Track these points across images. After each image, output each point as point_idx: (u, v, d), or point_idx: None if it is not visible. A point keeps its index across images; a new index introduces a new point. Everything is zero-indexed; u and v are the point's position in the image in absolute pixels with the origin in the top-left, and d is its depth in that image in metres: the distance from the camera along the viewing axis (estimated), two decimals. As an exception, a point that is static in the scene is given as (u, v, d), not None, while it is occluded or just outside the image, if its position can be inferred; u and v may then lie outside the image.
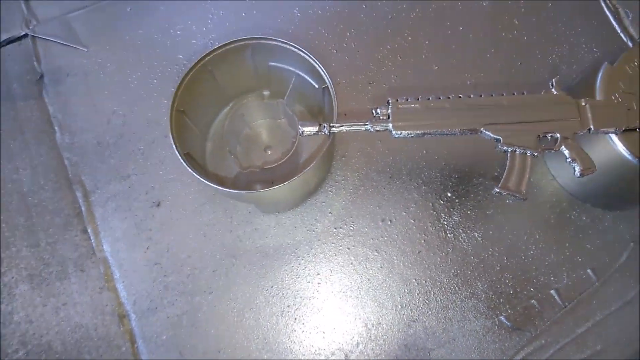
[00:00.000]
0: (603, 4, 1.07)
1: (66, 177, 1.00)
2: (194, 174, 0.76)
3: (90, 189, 0.99)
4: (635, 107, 0.79)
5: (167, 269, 0.94)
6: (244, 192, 0.76)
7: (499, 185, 0.75)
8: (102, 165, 1.00)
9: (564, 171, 0.96)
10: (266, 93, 0.99)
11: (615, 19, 1.06)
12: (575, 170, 0.76)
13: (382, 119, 0.78)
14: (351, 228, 0.95)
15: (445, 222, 0.95)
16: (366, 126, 0.77)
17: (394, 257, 0.93)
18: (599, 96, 0.80)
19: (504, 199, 0.96)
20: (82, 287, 0.95)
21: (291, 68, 0.90)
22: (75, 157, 1.01)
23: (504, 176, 0.75)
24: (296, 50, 0.84)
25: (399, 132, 0.76)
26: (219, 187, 0.75)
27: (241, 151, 0.97)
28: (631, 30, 1.04)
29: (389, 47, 1.05)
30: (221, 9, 1.08)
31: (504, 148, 0.76)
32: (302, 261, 0.93)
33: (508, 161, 0.76)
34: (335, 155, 0.99)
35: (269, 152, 0.98)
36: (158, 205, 0.97)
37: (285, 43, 0.84)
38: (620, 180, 0.86)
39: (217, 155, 0.95)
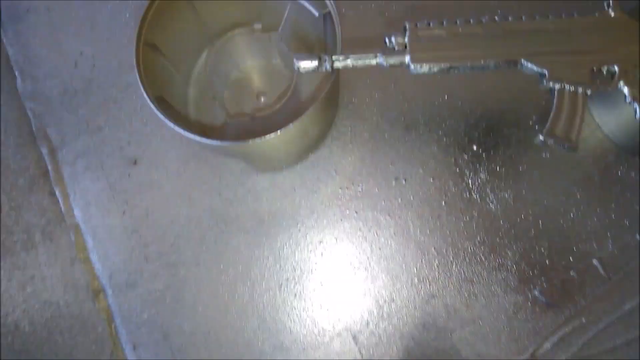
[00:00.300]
0: None
1: (29, 131, 0.87)
2: (166, 120, 0.62)
3: (56, 144, 0.85)
4: None
5: (147, 237, 0.81)
6: (229, 142, 0.62)
7: (545, 131, 0.60)
8: (70, 117, 0.86)
9: (611, 117, 0.81)
10: (257, 26, 0.83)
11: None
12: (637, 113, 0.61)
13: (398, 49, 0.63)
14: (359, 189, 0.81)
15: (469, 181, 0.81)
16: (377, 59, 0.62)
17: (410, 222, 0.79)
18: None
19: (539, 152, 0.81)
20: (51, 259, 0.83)
21: (285, -6, 0.74)
22: (39, 108, 0.87)
23: (550, 119, 0.60)
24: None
25: (419, 66, 0.61)
26: (197, 138, 0.61)
27: (230, 97, 0.83)
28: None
29: (404, -29, 0.88)
30: None
31: (550, 84, 0.60)
32: (303, 228, 0.80)
33: (555, 101, 0.61)
34: (340, 103, 0.84)
35: (263, 98, 0.83)
36: (135, 162, 0.84)
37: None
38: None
39: (201, 102, 0.81)
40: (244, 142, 0.62)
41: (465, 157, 0.82)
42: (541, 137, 0.60)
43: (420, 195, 0.81)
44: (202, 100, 0.80)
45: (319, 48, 0.79)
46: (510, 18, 0.62)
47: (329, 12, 0.66)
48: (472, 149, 0.82)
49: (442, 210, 0.80)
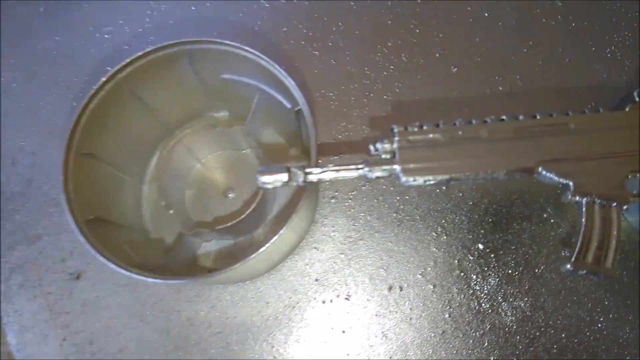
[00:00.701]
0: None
1: (-43, 241, 0.73)
2: (96, 255, 0.49)
3: (-12, 256, 0.72)
4: None
5: (93, 368, 0.67)
6: (176, 281, 0.50)
7: (573, 260, 0.48)
8: (5, 223, 0.73)
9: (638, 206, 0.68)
10: (223, 114, 0.72)
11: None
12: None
13: (385, 157, 0.51)
14: (346, 301, 0.68)
15: (477, 287, 0.68)
16: (361, 170, 0.50)
17: (408, 342, 0.66)
18: None
19: (557, 250, 0.69)
20: (-21, 395, 0.68)
21: (252, 82, 0.63)
22: (-31, 213, 0.74)
23: (578, 244, 0.48)
24: (256, 58, 0.56)
25: (411, 178, 0.49)
26: (134, 275, 0.49)
27: (193, 197, 0.70)
28: None
29: (389, 44, 0.77)
30: (163, 3, 0.80)
31: (577, 198, 0.48)
32: (279, 354, 0.67)
33: (583, 219, 0.48)
34: (322, 197, 0.72)
35: (231, 194, 0.71)
36: (77, 277, 0.70)
37: (238, 47, 0.56)
38: None
39: (157, 209, 0.68)
40: (206, 277, 0.49)
41: (471, 258, 0.69)
42: (569, 267, 0.48)
43: (420, 306, 0.68)
44: (158, 206, 0.68)
45: (295, 138, 0.68)
46: (521, 117, 0.50)
47: (301, 110, 0.55)
48: (479, 248, 0.69)
49: (447, 325, 0.67)
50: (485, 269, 0.68)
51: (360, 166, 0.50)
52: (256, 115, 0.64)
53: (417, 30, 0.78)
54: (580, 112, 0.50)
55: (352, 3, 0.79)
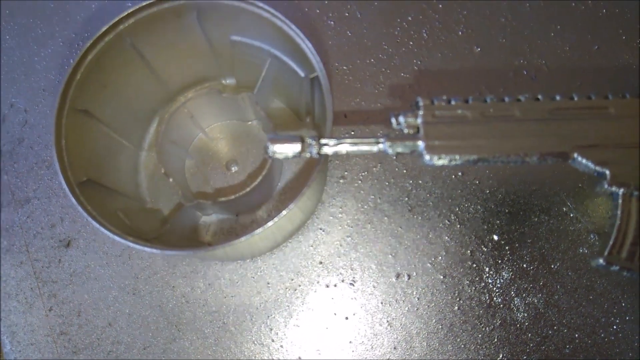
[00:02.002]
0: None
1: (-60, 200, 0.69)
2: (88, 218, 0.45)
3: (-28, 218, 0.68)
4: None
5: (78, 342, 0.64)
6: (175, 252, 0.46)
7: (606, 254, 0.44)
8: (-9, 184, 0.69)
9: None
10: (230, 82, 0.67)
11: None
12: None
13: (408, 132, 0.47)
14: (351, 286, 0.64)
15: (490, 280, 0.64)
16: (380, 145, 0.46)
17: (414, 333, 0.63)
18: None
19: (575, 245, 0.65)
20: (-43, 363, 0.65)
21: (264, 46, 0.58)
22: (-46, 171, 0.69)
23: (612, 237, 0.45)
24: (271, 17, 0.52)
25: (435, 157, 0.45)
26: (129, 243, 0.44)
27: (193, 167, 0.66)
28: None
29: (410, 18, 0.73)
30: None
31: (613, 188, 0.45)
32: (277, 337, 0.63)
33: (619, 212, 0.45)
34: (331, 176, 0.68)
35: (234, 168, 0.67)
36: (67, 245, 0.66)
37: (252, 4, 0.52)
38: None
39: (156, 177, 0.64)
40: (198, 251, 0.45)
41: (485, 249, 0.65)
42: (601, 261, 0.44)
43: (428, 296, 0.64)
44: (156, 174, 0.64)
45: (306, 111, 0.63)
46: (557, 97, 0.46)
47: (317, 78, 0.50)
48: (493, 239, 0.66)
49: (455, 317, 0.64)
50: (499, 261, 0.65)
51: (380, 140, 0.46)
52: (266, 83, 0.60)
53: (440, 6, 0.73)
54: (622, 96, 0.46)
55: (373, -28, 0.74)
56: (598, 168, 0.45)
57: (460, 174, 0.68)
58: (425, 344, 0.63)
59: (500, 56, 0.71)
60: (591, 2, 0.73)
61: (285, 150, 0.45)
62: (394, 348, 0.63)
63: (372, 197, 0.67)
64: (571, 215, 0.66)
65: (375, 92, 0.71)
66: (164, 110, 0.65)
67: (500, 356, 0.62)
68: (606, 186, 0.45)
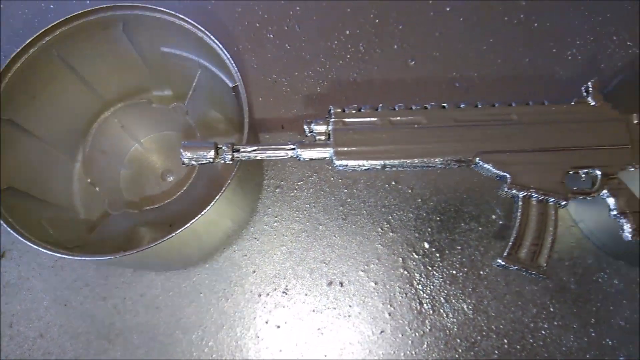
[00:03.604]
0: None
1: None
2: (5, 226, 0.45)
3: None
4: None
5: (9, 353, 0.64)
6: (91, 257, 0.46)
7: (504, 255, 0.46)
8: None
9: (592, 213, 0.67)
10: (167, 92, 0.68)
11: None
12: (624, 230, 0.47)
13: (319, 140, 0.48)
14: (284, 295, 0.65)
15: (420, 287, 0.65)
16: (292, 151, 0.47)
17: (345, 340, 0.63)
18: (658, 109, 0.51)
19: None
20: None
21: (194, 57, 0.59)
22: None
23: (512, 238, 0.46)
24: (192, 28, 0.53)
25: (344, 163, 0.46)
26: (47, 251, 0.45)
27: (128, 178, 0.67)
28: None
29: (347, 32, 0.75)
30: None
31: (513, 192, 0.46)
32: (208, 347, 0.63)
33: (519, 214, 0.46)
34: (267, 186, 0.69)
35: (170, 178, 0.67)
36: (2, 255, 0.66)
37: (175, 16, 0.53)
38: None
39: (89, 188, 0.64)
40: (106, 257, 0.45)
41: (416, 257, 0.66)
42: (500, 262, 0.45)
43: (360, 303, 0.65)
44: (88, 185, 0.64)
45: (240, 122, 0.64)
46: (462, 105, 0.48)
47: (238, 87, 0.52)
48: (424, 247, 0.67)
49: (387, 324, 0.64)
50: (430, 268, 0.66)
51: (292, 147, 0.47)
52: (198, 93, 0.61)
53: (377, 21, 0.75)
54: (524, 103, 0.48)
55: (311, -12, 0.76)
56: (499, 172, 0.46)
57: (393, 182, 0.69)
58: (356, 350, 0.63)
59: (434, 69, 0.74)
60: (524, 16, 0.76)
61: (198, 156, 0.46)
62: (325, 355, 0.63)
63: (307, 206, 0.68)
64: (500, 222, 0.67)
65: (313, 103, 0.72)
66: (98, 121, 0.65)
67: (430, 362, 0.63)
68: (506, 189, 0.46)
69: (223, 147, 0.47)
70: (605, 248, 0.67)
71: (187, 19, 0.52)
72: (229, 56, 0.52)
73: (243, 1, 0.75)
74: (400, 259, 0.66)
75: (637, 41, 0.75)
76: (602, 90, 0.69)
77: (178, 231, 0.45)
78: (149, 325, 0.64)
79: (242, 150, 0.47)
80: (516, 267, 0.45)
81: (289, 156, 0.47)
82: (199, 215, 0.46)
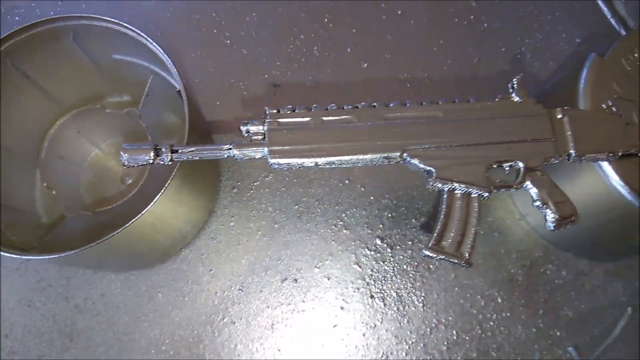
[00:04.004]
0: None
1: None
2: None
3: None
4: (636, 120, 0.52)
5: (-26, 353, 0.65)
6: (34, 256, 0.48)
7: (429, 246, 0.48)
8: None
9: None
10: (126, 98, 0.71)
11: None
12: (547, 220, 0.49)
13: (256, 139, 0.50)
14: (240, 292, 0.67)
15: (372, 282, 0.67)
16: (229, 151, 0.49)
17: (298, 335, 0.65)
18: (583, 104, 0.54)
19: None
20: None
21: (144, 63, 0.62)
22: None
23: (437, 229, 0.48)
24: (136, 35, 0.56)
25: (278, 162, 0.49)
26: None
27: (88, 182, 0.69)
28: (625, 13, 0.77)
29: (302, 36, 0.77)
30: (77, -12, 0.79)
31: (438, 185, 0.48)
32: (166, 344, 0.65)
33: (444, 206, 0.48)
34: (224, 187, 0.71)
35: (129, 181, 0.70)
36: (-34, 260, 0.68)
37: (120, 25, 0.56)
38: (613, 223, 0.59)
39: (48, 192, 0.67)
40: (52, 256, 0.48)
41: (368, 252, 0.69)
42: (426, 252, 0.48)
43: (313, 299, 0.67)
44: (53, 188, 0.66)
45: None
46: (392, 104, 0.50)
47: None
48: (376, 243, 0.69)
49: (339, 319, 0.66)
50: (382, 263, 0.68)
51: (228, 147, 0.49)
52: (151, 97, 0.63)
53: (331, 25, 0.78)
54: (450, 101, 0.51)
55: (268, -6, 0.79)
56: (425, 166, 0.48)
57: (347, 181, 0.71)
58: (308, 344, 0.65)
59: (386, 70, 0.76)
60: (474, 17, 0.78)
61: (138, 158, 0.48)
62: (278, 350, 0.65)
63: (263, 205, 0.71)
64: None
65: (269, 106, 0.74)
66: (55, 127, 0.68)
67: (381, 353, 0.65)
68: (432, 183, 0.48)
69: (162, 149, 0.49)
70: (552, 240, 0.69)
71: (131, 27, 0.55)
72: (171, 62, 0.54)
73: (201, 8, 0.77)
74: (353, 255, 0.68)
75: (585, 38, 0.77)
76: (545, 86, 0.72)
77: (117, 231, 0.47)
78: (109, 324, 0.66)
79: (180, 151, 0.49)
80: (441, 257, 0.47)
81: (226, 156, 0.49)
82: (137, 217, 0.49)
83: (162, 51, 0.53)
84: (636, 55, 0.56)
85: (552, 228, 0.49)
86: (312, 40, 0.77)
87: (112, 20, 0.55)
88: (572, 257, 0.69)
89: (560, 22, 0.78)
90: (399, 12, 0.78)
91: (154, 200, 0.48)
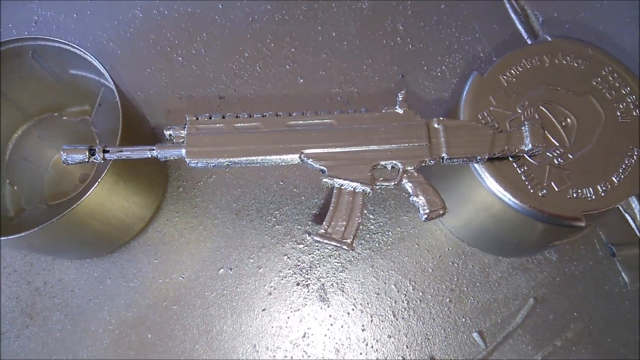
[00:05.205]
0: (507, 5, 0.90)
1: None
2: None
3: None
4: (507, 128, 0.61)
5: (-56, 330, 0.74)
6: None
7: (319, 232, 0.57)
8: None
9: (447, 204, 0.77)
10: (86, 108, 0.80)
11: (521, 22, 0.88)
12: (420, 211, 0.58)
13: (177, 142, 0.59)
14: (181, 279, 0.76)
15: (298, 270, 0.76)
16: (152, 152, 0.58)
17: (234, 315, 0.74)
18: (462, 115, 0.63)
19: (375, 241, 0.77)
20: None
21: (96, 77, 0.71)
22: None
23: (326, 218, 0.57)
24: (82, 54, 0.65)
25: (195, 161, 0.58)
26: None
27: (52, 181, 0.78)
28: (541, 35, 0.86)
29: (247, 54, 0.87)
30: (49, 9, 0.90)
31: (330, 182, 0.57)
32: (112, 324, 0.74)
33: (333, 199, 0.57)
34: (171, 186, 0.80)
35: (88, 180, 0.79)
36: (-59, 248, 0.78)
37: (68, 44, 0.65)
38: (494, 219, 0.68)
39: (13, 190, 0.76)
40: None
41: (297, 246, 0.77)
42: (314, 237, 0.56)
43: (245, 284, 0.76)
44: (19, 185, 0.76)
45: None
46: (294, 113, 0.59)
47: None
48: (305, 238, 0.78)
49: (268, 303, 0.75)
50: (308, 255, 0.77)
51: (151, 147, 0.58)
52: (103, 107, 0.72)
53: (272, 45, 0.87)
54: (344, 112, 0.60)
55: (216, 17, 0.88)
56: (319, 166, 0.57)
57: (281, 182, 0.80)
58: (237, 327, 0.74)
59: (320, 85, 0.85)
60: (400, 39, 0.88)
61: (75, 157, 0.57)
62: (219, 332, 0.73)
63: (205, 203, 0.79)
64: (370, 216, 0.78)
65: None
66: (25, 128, 0.78)
67: (302, 333, 0.73)
68: (324, 180, 0.57)
69: (96, 149, 0.58)
70: (460, 236, 0.78)
71: (78, 47, 0.64)
72: (109, 76, 0.63)
73: (157, 29, 0.87)
74: (284, 247, 0.77)
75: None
76: (452, 104, 0.81)
77: (58, 217, 0.56)
78: (64, 305, 0.75)
79: (111, 151, 0.58)
80: (328, 242, 0.56)
81: (150, 155, 0.58)
82: (74, 205, 0.58)
83: (102, 66, 0.63)
84: (513, 72, 0.65)
85: (424, 219, 0.57)
86: (255, 58, 0.87)
87: (62, 41, 0.65)
88: (478, 251, 0.77)
89: (480, 43, 0.87)
90: (334, 34, 0.88)
91: (88, 193, 0.58)
